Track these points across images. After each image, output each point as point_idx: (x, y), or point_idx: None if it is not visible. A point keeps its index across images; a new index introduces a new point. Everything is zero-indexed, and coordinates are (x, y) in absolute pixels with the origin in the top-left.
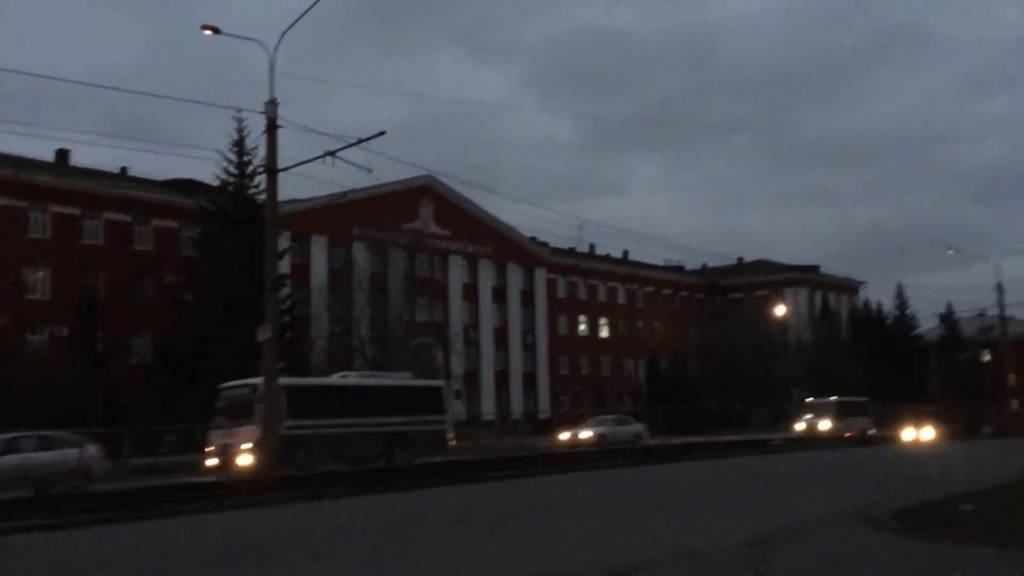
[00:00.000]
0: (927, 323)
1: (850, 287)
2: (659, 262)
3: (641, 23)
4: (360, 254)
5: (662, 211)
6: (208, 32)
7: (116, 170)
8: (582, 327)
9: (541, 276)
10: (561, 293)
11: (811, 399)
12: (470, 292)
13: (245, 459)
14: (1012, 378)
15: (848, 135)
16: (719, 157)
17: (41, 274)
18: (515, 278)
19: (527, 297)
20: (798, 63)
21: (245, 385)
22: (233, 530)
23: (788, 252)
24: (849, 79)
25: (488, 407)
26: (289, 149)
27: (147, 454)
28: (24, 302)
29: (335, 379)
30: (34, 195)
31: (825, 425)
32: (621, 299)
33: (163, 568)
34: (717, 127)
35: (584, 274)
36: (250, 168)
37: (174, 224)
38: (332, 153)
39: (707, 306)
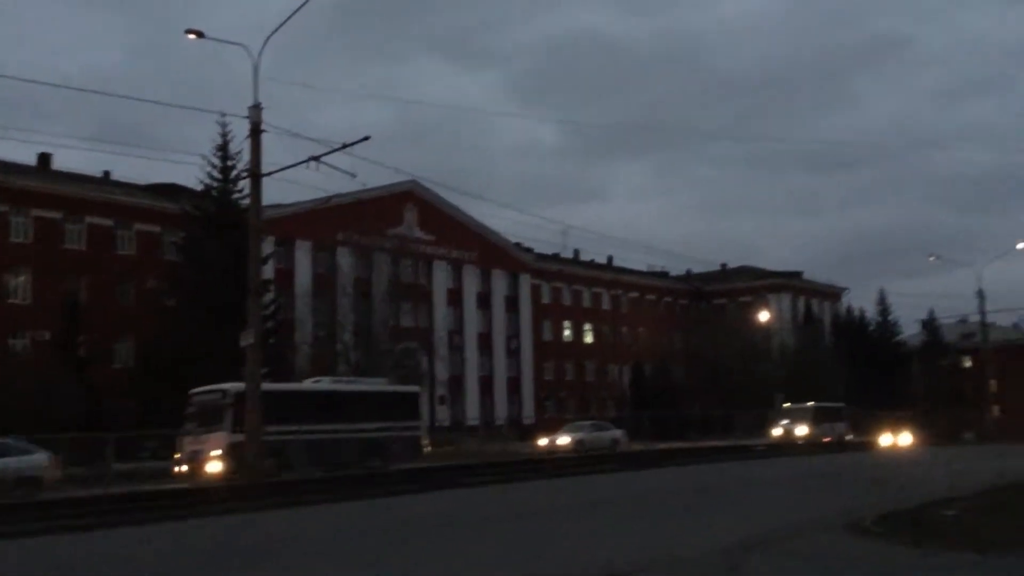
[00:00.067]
0: (909, 329)
1: (833, 293)
2: (643, 268)
3: (626, 29)
4: (344, 259)
5: (646, 217)
6: (192, 36)
7: (99, 174)
8: (566, 333)
9: (525, 282)
10: (545, 299)
11: (788, 405)
12: (454, 297)
13: (214, 466)
14: (993, 384)
15: (831, 142)
16: (703, 163)
17: (23, 278)
18: (499, 283)
19: (511, 303)
20: (781, 70)
21: (216, 391)
22: (212, 539)
23: (771, 258)
24: (832, 87)
25: (473, 412)
26: (273, 154)
27: (129, 459)
28: (5, 306)
29: (308, 385)
30: (16, 199)
31: (802, 431)
32: (605, 305)
33: None
34: (701, 133)
35: (568, 280)
36: (234, 173)
37: (157, 229)
38: (316, 158)
39: (691, 312)
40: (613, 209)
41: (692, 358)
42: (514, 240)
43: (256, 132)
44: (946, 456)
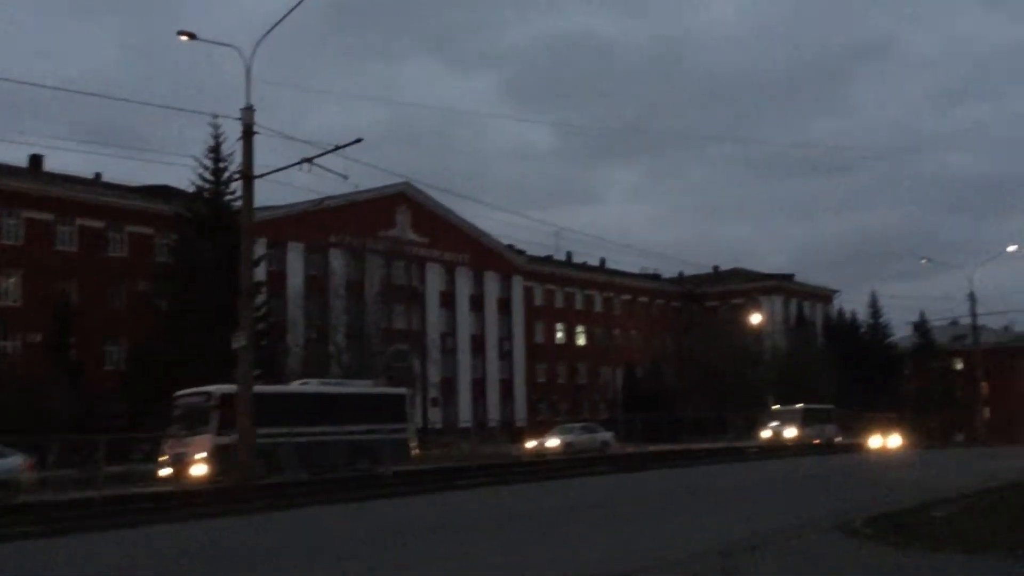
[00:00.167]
0: (901, 331)
1: (824, 295)
2: (636, 270)
3: (620, 32)
4: (337, 261)
5: (639, 219)
6: (184, 38)
7: (91, 176)
8: (559, 335)
9: (518, 284)
10: (538, 301)
11: (777, 407)
12: (447, 299)
13: (199, 469)
14: (984, 386)
15: (823, 145)
16: (696, 166)
17: (14, 280)
18: (492, 286)
19: (504, 305)
20: (775, 74)
21: (200, 393)
22: (200, 542)
23: (763, 261)
24: (825, 90)
25: (465, 415)
26: (265, 156)
27: (121, 462)
28: None
29: (295, 387)
30: (7, 201)
31: (791, 432)
32: (598, 307)
33: None
34: (694, 136)
35: (561, 282)
36: (226, 174)
37: (149, 230)
38: (309, 160)
39: (683, 314)
40: (606, 211)
41: (685, 360)
42: (507, 242)
43: (248, 134)
44: (935, 458)
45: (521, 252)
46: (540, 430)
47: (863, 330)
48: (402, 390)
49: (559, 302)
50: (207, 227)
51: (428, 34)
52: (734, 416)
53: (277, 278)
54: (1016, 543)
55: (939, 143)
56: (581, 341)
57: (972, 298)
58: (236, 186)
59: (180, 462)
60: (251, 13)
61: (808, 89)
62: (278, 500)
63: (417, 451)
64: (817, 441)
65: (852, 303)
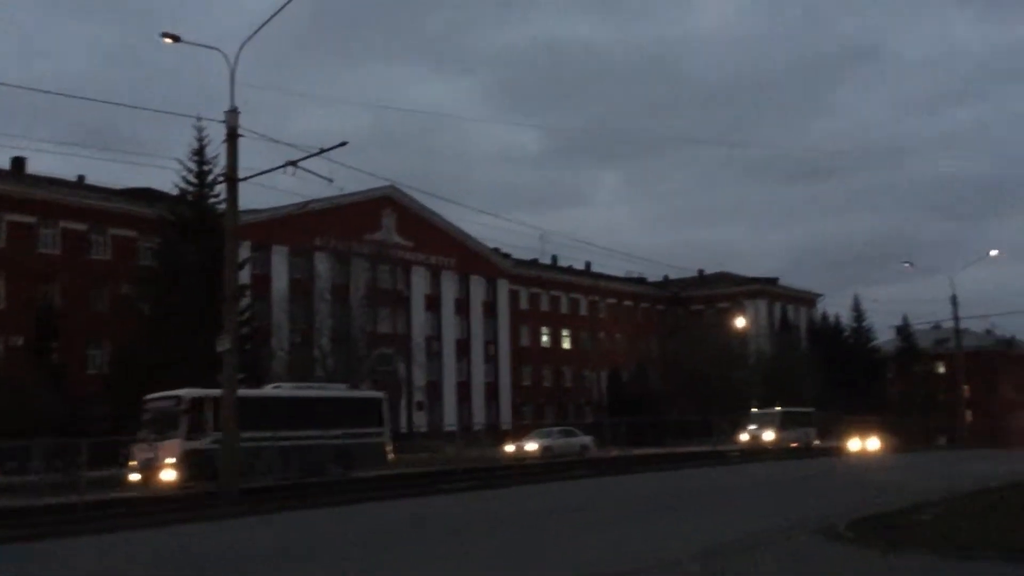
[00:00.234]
0: (884, 335)
1: (808, 299)
2: (621, 274)
3: (605, 35)
4: (322, 264)
5: (624, 223)
6: (168, 40)
7: (74, 178)
8: (544, 338)
9: (504, 287)
10: (524, 304)
11: (755, 410)
12: (432, 303)
13: (168, 474)
14: (966, 389)
15: (807, 149)
16: (681, 170)
17: None
18: (477, 289)
19: (489, 308)
20: (760, 78)
21: (170, 397)
22: (182, 548)
23: (748, 265)
24: (809, 94)
25: (450, 418)
26: (250, 158)
27: (104, 466)
28: None
29: (268, 390)
30: None
31: (769, 436)
32: (583, 310)
33: None
34: (679, 140)
35: (547, 285)
36: (210, 177)
37: (132, 233)
38: (294, 163)
39: (668, 318)
40: (591, 215)
41: (669, 364)
42: (492, 246)
43: (233, 136)
44: (916, 461)
45: (507, 256)
46: (524, 434)
47: (846, 334)
48: (379, 394)
49: (544, 305)
50: (191, 230)
51: (413, 37)
52: (719, 420)
53: (262, 281)
54: (999, 545)
55: (922, 148)
56: (566, 345)
57: (954, 302)
58: (220, 189)
59: (149, 467)
60: (236, 16)
61: (792, 94)
62: (260, 505)
63: (393, 456)
64: (795, 445)
65: (836, 307)
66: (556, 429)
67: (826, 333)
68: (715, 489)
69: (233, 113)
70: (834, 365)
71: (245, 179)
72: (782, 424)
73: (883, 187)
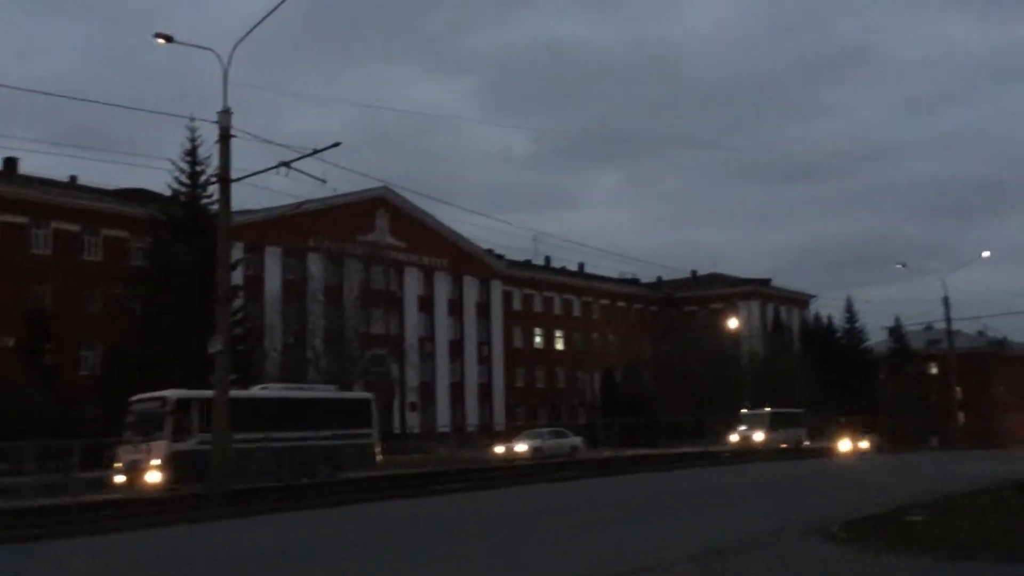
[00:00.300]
0: (876, 336)
1: (801, 300)
2: (614, 275)
3: (599, 36)
4: (315, 265)
5: (618, 224)
6: (161, 40)
7: (66, 179)
8: (537, 339)
9: (497, 288)
10: (517, 305)
11: (745, 411)
12: (426, 304)
13: (153, 476)
14: (959, 390)
15: (800, 151)
16: (674, 172)
17: None
18: (471, 290)
19: (483, 309)
20: (753, 81)
21: (155, 398)
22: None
23: (741, 266)
24: (802, 96)
25: (443, 419)
26: (243, 159)
27: (95, 467)
28: None
29: (255, 391)
30: None
31: (759, 436)
32: (576, 311)
33: None
34: (672, 142)
35: (540, 286)
36: (203, 178)
37: (125, 234)
38: (287, 164)
39: (661, 319)
40: (585, 216)
41: (663, 365)
42: (486, 247)
43: (225, 137)
44: (906, 462)
45: (500, 256)
46: (517, 435)
47: (839, 335)
48: (367, 395)
49: (538, 306)
50: (183, 230)
51: (407, 38)
52: (712, 420)
53: (254, 282)
54: (992, 545)
55: (916, 149)
56: (560, 345)
57: (947, 303)
58: (213, 189)
59: (134, 469)
60: (229, 17)
61: (785, 95)
62: (251, 506)
63: (382, 457)
64: (785, 445)
65: (828, 308)
66: (546, 430)
67: (819, 334)
68: (707, 490)
69: (226, 113)
70: (827, 366)
71: (238, 180)
72: (772, 425)
73: (882, 187)
